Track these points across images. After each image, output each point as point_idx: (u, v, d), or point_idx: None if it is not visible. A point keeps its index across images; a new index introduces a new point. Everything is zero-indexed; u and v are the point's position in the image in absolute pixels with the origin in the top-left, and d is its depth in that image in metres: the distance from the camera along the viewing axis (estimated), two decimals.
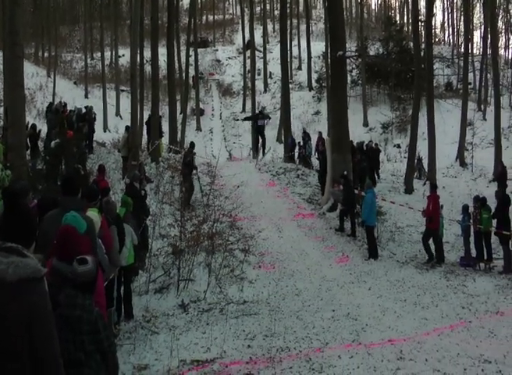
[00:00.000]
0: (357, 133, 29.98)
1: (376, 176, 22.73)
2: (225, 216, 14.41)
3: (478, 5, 55.37)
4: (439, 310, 9.21)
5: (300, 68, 55.94)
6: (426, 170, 26.03)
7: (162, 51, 27.76)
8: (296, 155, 26.17)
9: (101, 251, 5.80)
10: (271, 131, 40.47)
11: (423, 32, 27.71)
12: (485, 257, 13.47)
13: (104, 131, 34.55)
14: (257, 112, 16.92)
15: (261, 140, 18.02)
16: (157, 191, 15.92)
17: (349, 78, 38.71)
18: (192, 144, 17.91)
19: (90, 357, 3.53)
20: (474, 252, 13.68)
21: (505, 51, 60.86)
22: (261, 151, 17.59)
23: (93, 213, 5.88)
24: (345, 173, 16.14)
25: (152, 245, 11.01)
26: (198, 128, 43.20)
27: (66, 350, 3.31)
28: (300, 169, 23.30)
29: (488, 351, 6.99)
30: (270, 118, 27.32)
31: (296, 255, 13.04)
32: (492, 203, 13.95)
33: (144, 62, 29.13)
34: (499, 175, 23.11)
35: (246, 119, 19.08)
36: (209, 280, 10.05)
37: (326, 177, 17.71)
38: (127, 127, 19.40)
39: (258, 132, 18.04)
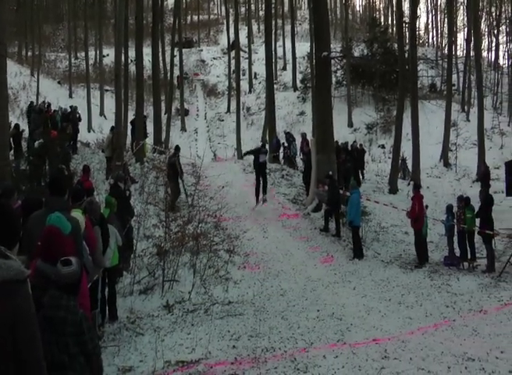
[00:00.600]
0: (341, 133, 30.09)
1: (361, 177, 22.85)
2: (210, 216, 14.39)
3: (461, 7, 55.98)
4: (423, 309, 9.28)
5: (284, 68, 56.01)
6: (410, 170, 26.22)
7: (147, 51, 27.69)
8: (281, 155, 26.20)
9: (85, 253, 5.76)
10: (255, 131, 40.58)
11: (407, 34, 27.91)
12: (469, 256, 13.61)
13: (89, 131, 34.32)
14: (259, 145, 15.60)
15: (262, 180, 16.18)
16: (141, 192, 15.85)
17: (333, 79, 38.86)
18: (177, 148, 17.71)
19: (74, 359, 3.51)
20: (457, 252, 13.81)
21: (488, 53, 61.51)
22: (262, 194, 16.12)
23: (77, 214, 5.83)
24: (330, 173, 16.17)
25: (137, 246, 10.95)
26: (183, 128, 43.10)
27: (50, 352, 3.29)
28: (285, 169, 23.32)
29: (471, 349, 7.05)
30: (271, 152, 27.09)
31: (281, 255, 13.05)
32: (476, 203, 14.09)
33: (129, 61, 29.04)
34: (483, 175, 23.38)
35: (247, 153, 17.51)
36: (194, 281, 10.03)
37: (311, 178, 17.72)
38: (112, 128, 19.28)
39: (260, 171, 16.23)
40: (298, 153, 24.92)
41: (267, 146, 18.71)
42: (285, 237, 14.62)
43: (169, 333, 7.68)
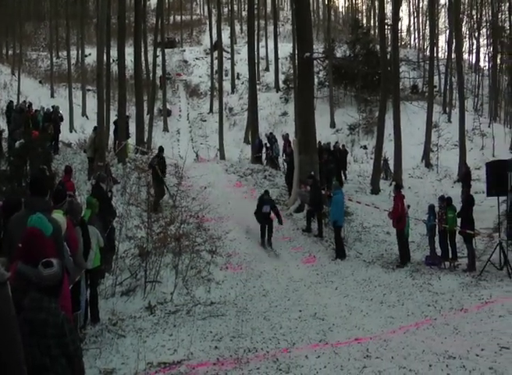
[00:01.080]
0: (324, 134, 30.20)
1: (343, 177, 22.95)
2: (193, 217, 14.37)
3: (443, 10, 56.56)
4: (404, 308, 9.36)
5: (267, 69, 56.05)
6: (392, 171, 26.40)
7: (129, 51, 27.50)
8: (264, 156, 26.23)
9: (66, 254, 5.72)
10: (238, 132, 40.58)
11: (389, 35, 28.07)
12: (450, 256, 13.76)
13: (71, 131, 33.98)
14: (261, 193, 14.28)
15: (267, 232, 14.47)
16: (123, 193, 15.77)
17: (316, 80, 38.89)
18: (160, 148, 17.59)
19: (56, 362, 3.49)
20: (439, 251, 13.95)
21: (469, 55, 62.19)
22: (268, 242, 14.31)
23: (58, 215, 5.79)
24: (312, 173, 16.23)
25: (119, 247, 10.90)
26: (165, 129, 42.89)
27: (31, 355, 3.26)
28: (268, 170, 23.34)
29: (452, 347, 7.12)
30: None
31: (263, 255, 13.07)
32: (457, 203, 14.25)
33: (111, 61, 28.85)
34: (464, 176, 23.60)
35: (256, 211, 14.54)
36: (176, 282, 10.01)
37: (293, 178, 17.75)
38: (95, 128, 19.13)
39: (265, 221, 14.80)
40: (281, 154, 24.96)
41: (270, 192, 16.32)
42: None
43: (151, 334, 7.66)
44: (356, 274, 11.97)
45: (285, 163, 22.41)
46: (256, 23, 39.37)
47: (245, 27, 48.92)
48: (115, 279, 9.67)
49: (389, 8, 52.57)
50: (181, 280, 10.23)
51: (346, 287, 10.85)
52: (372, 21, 72.38)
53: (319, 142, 21.33)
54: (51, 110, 20.93)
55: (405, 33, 74.84)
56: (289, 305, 9.61)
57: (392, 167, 26.60)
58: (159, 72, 43.46)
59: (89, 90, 41.79)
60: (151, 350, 7.00)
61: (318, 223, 15.07)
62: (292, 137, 23.32)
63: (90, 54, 46.61)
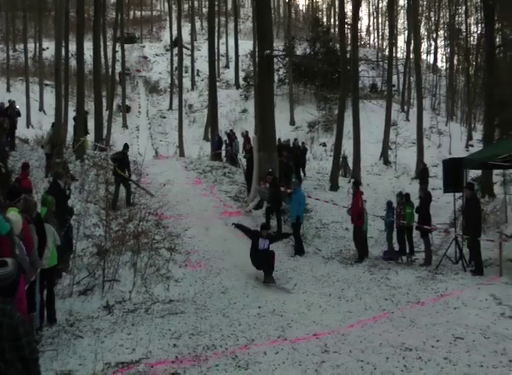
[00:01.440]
0: (283, 131, 30.40)
1: (302, 174, 23.13)
2: (151, 214, 14.25)
3: (402, 11, 57.49)
4: (362, 303, 9.50)
5: (227, 66, 56.00)
6: (351, 168, 26.73)
7: (88, 46, 27.09)
8: (224, 153, 26.21)
9: (21, 253, 5.62)
10: (198, 129, 40.42)
11: (349, 34, 28.43)
12: (407, 251, 14.07)
13: (27, 127, 33.22)
14: (257, 228, 11.67)
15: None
16: (81, 190, 15.52)
17: (276, 77, 39.15)
18: (125, 146, 17.17)
19: (11, 366, 3.43)
20: (396, 246, 14.23)
21: (427, 56, 63.67)
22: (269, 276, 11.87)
23: (13, 213, 5.68)
24: (271, 170, 16.29)
25: (76, 246, 10.74)
26: (124, 125, 42.39)
27: None
28: (227, 167, 23.37)
29: (409, 339, 7.29)
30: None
31: (222, 253, 13.06)
32: (414, 199, 14.56)
33: (69, 56, 28.26)
34: (421, 173, 24.14)
35: (240, 228, 11.86)
36: (135, 280, 9.91)
37: (253, 175, 17.78)
38: (53, 124, 18.75)
39: (262, 261, 11.44)
40: (240, 151, 25.00)
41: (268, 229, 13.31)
42: (226, 235, 14.58)
43: (109, 334, 7.56)
44: (314, 270, 12.08)
45: (244, 160, 22.45)
46: (216, 19, 39.28)
47: (205, 24, 48.92)
48: (73, 278, 9.50)
49: (349, 7, 53.32)
50: (140, 279, 10.13)
51: (305, 283, 10.93)
52: (332, 20, 73.14)
53: (279, 139, 21.44)
54: (7, 105, 20.42)
55: (365, 33, 75.82)
56: (248, 301, 9.63)
57: (351, 164, 26.94)
58: (118, 67, 42.93)
59: (47, 84, 40.97)
60: (109, 350, 6.92)
61: (277, 220, 15.12)
62: (251, 134, 23.37)
63: (48, 48, 45.69)
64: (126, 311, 8.71)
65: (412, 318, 8.41)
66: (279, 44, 42.88)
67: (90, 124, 24.72)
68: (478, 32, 44.30)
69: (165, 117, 45.41)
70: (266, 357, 6.80)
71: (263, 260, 11.25)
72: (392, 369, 6.28)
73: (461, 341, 7.16)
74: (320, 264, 12.76)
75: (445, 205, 17.72)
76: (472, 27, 50.59)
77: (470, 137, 39.64)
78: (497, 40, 27.66)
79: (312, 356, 6.78)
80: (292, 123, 41.88)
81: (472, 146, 35.98)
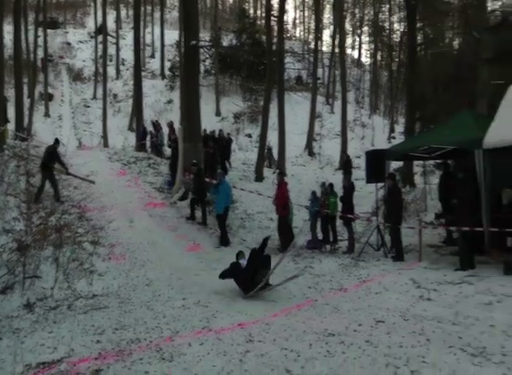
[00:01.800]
0: (209, 122, 30.22)
1: (227, 165, 23.08)
2: (74, 207, 13.81)
3: (328, 6, 58.55)
4: (287, 291, 9.53)
5: (153, 56, 55.16)
6: (276, 159, 26.97)
7: (8, 29, 25.86)
8: (148, 143, 25.76)
9: None
10: (122, 119, 39.62)
11: (275, 27, 28.60)
12: (331, 239, 14.32)
13: None
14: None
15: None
16: (1, 182, 14.76)
17: (202, 68, 38.98)
18: (55, 140, 16.29)
19: None
20: (320, 236, 14.46)
21: (352, 50, 65.19)
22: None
23: None
24: (195, 161, 16.16)
25: None
26: (47, 114, 40.92)
27: None
28: (152, 158, 22.95)
29: (332, 325, 7.35)
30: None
31: (147, 245, 12.78)
32: (338, 189, 14.84)
33: None
34: (345, 164, 24.69)
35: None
36: (57, 276, 9.48)
37: (178, 166, 17.58)
38: None
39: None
40: (165, 142, 24.67)
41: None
42: (151, 227, 14.33)
43: (30, 333, 7.17)
44: None
45: (169, 150, 22.15)
46: (142, 8, 38.69)
47: (131, 12, 47.82)
48: None
49: (275, 0, 53.56)
50: (62, 274, 9.68)
51: None
52: (259, 11, 73.38)
53: (204, 130, 21.30)
54: None
55: (291, 26, 76.67)
56: (173, 293, 9.46)
57: (276, 155, 27.18)
58: (41, 53, 41.41)
59: None
60: (29, 350, 6.54)
61: (202, 211, 15.03)
62: (177, 125, 23.06)
63: None
64: (47, 308, 8.30)
65: (335, 304, 8.51)
66: (205, 35, 42.72)
67: (11, 112, 23.62)
68: (401, 30, 45.73)
69: (89, 106, 44.21)
70: (191, 348, 6.66)
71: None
72: (316, 354, 6.29)
73: (382, 324, 7.32)
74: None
75: (367, 195, 18.20)
76: (395, 25, 52.13)
77: (392, 130, 41.04)
78: (419, 38, 28.74)
79: (237, 346, 6.70)
80: (218, 113, 41.82)
81: (394, 138, 37.29)
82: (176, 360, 6.31)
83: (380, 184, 14.67)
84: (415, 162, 22.53)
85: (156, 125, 25.17)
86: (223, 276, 9.71)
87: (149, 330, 7.40)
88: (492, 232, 10.55)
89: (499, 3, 24.32)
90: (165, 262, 11.61)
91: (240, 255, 10.36)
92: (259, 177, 22.80)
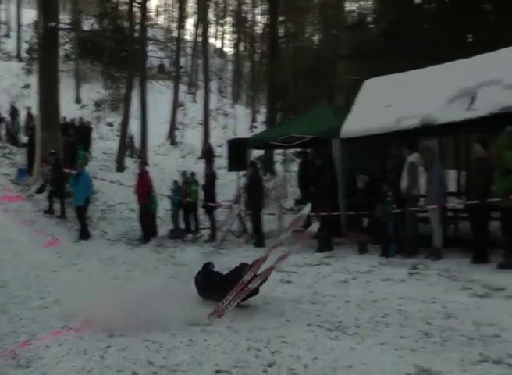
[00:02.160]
0: (68, 109, 28.88)
1: (88, 155, 22.39)
2: None
3: None
4: (147, 282, 9.53)
5: (8, 36, 51.42)
6: (138, 148, 26.69)
7: None
8: (3, 131, 24.19)
9: None
10: None
11: (138, 13, 28.12)
12: (193, 228, 14.52)
13: None
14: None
15: None
16: None
17: (62, 52, 37.05)
18: None
19: None
20: (182, 225, 14.59)
21: (215, 40, 65.62)
22: None
23: None
24: (53, 151, 15.56)
25: None
26: None
27: None
28: (7, 147, 21.64)
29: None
30: None
31: (0, 242, 12.10)
32: (200, 178, 15.04)
33: None
34: (206, 153, 25.00)
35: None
36: None
37: (35, 156, 16.78)
38: None
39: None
40: (22, 129, 23.32)
41: None
42: (6, 222, 13.60)
43: None
44: (100, 254, 11.87)
45: (25, 139, 20.99)
46: None
47: None
48: None
49: None
50: None
51: (90, 268, 10.61)
52: None
53: (64, 118, 20.53)
54: None
55: (154, 13, 75.19)
56: (30, 293, 8.99)
57: (137, 145, 26.87)
58: None
59: None
60: None
61: (61, 204, 14.54)
62: (34, 112, 21.89)
63: None
64: None
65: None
66: (65, 18, 40.63)
67: None
68: (264, 22, 46.70)
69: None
70: (49, 351, 6.40)
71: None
72: (178, 344, 6.38)
73: (245, 308, 7.55)
74: (106, 247, 12.66)
75: (229, 183, 18.57)
76: (258, 17, 52.94)
77: (254, 120, 42.08)
78: (280, 31, 29.70)
79: (98, 343, 6.57)
80: (78, 101, 40.13)
81: (256, 128, 38.20)
82: (34, 365, 6.04)
83: (242, 172, 15.05)
84: (276, 151, 23.36)
85: (13, 111, 23.72)
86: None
87: (3, 337, 6.99)
88: (348, 215, 11.29)
89: (357, 5, 26.06)
90: (21, 260, 11.05)
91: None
92: (120, 167, 22.43)
